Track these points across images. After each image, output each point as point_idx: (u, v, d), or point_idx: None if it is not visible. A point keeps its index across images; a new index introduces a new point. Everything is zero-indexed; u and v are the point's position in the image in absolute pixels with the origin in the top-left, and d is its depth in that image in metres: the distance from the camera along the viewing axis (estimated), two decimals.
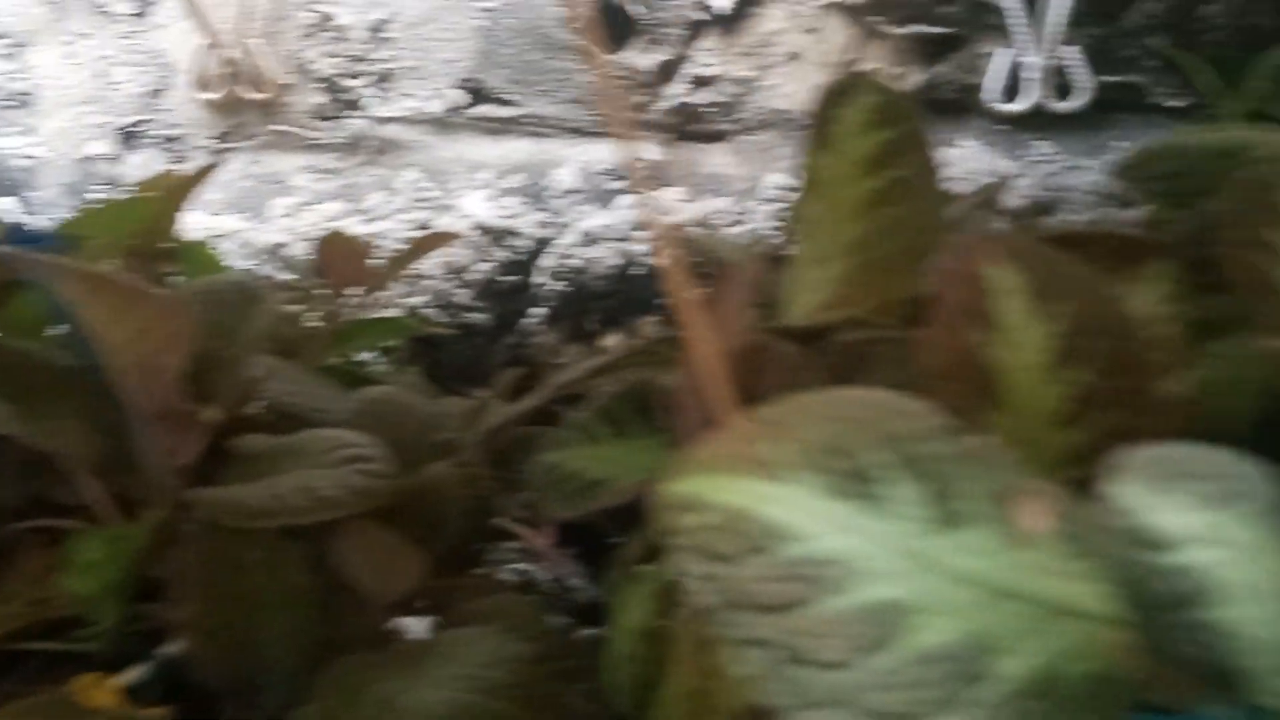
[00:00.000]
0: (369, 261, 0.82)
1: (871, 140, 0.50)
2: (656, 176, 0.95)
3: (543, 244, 0.98)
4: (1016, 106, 0.91)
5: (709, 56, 0.94)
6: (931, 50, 0.93)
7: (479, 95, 0.97)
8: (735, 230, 0.97)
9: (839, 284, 0.50)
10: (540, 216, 0.97)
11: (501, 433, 0.63)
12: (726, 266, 0.55)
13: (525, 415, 0.64)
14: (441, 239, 0.91)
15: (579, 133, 0.97)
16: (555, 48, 0.95)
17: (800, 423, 0.30)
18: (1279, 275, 0.42)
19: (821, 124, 0.52)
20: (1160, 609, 0.25)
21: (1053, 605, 0.28)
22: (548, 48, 0.95)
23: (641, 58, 0.94)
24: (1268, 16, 0.87)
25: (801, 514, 0.29)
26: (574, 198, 0.98)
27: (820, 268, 0.51)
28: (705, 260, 0.66)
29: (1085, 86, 0.89)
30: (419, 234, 0.96)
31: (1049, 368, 0.35)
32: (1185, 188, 0.51)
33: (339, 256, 0.81)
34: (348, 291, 0.80)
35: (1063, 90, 0.90)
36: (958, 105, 0.94)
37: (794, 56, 0.94)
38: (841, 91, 0.52)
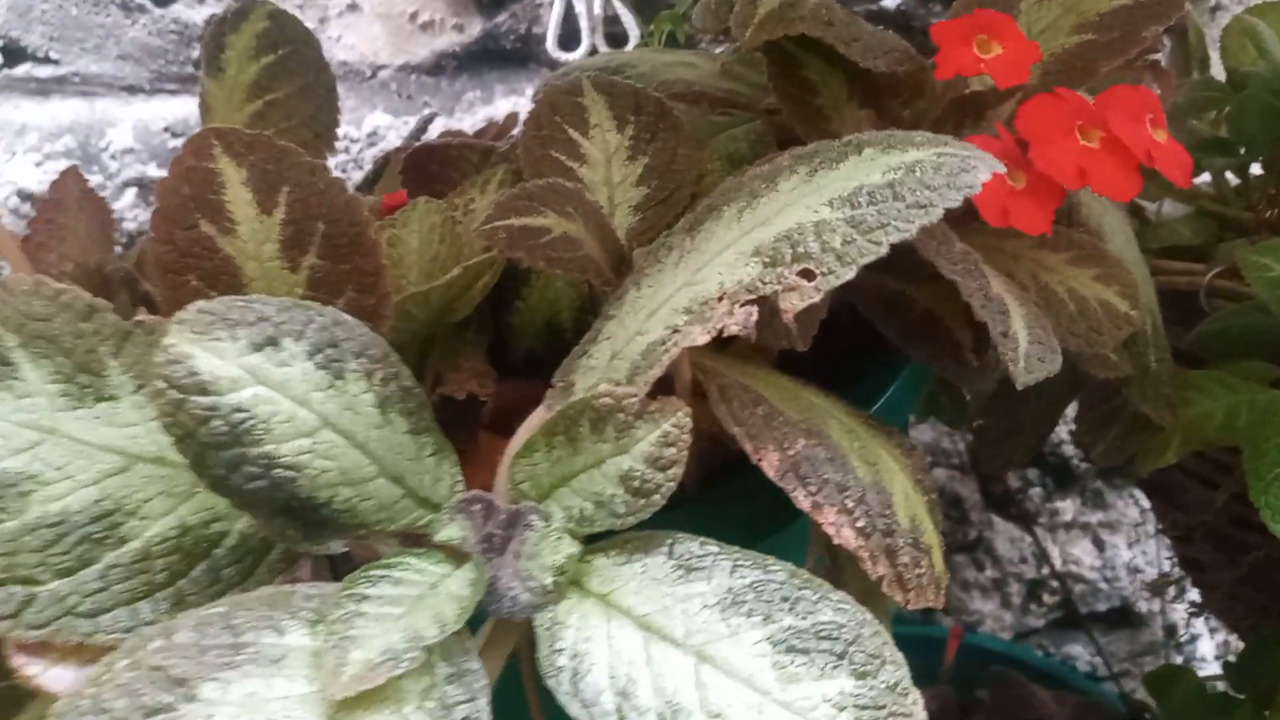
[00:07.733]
0: None
1: (256, 66, 0.51)
2: None
3: None
4: (574, 54, 0.94)
5: None
6: (491, 0, 0.96)
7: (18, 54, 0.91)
8: None
9: None
10: (95, 180, 0.94)
11: None
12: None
13: None
14: None
15: (133, 90, 0.94)
16: (100, 1, 0.91)
17: None
18: (582, 171, 0.46)
19: (213, 53, 0.52)
20: (216, 448, 0.27)
21: (170, 461, 0.30)
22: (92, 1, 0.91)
23: (192, 11, 0.92)
24: None
25: None
26: (130, 158, 0.95)
27: None
28: None
29: (635, 33, 0.94)
30: None
31: (281, 255, 0.36)
32: None
33: None
34: None
35: (616, 39, 0.94)
36: (520, 54, 0.97)
37: (353, 7, 0.94)
38: (232, 19, 0.52)
